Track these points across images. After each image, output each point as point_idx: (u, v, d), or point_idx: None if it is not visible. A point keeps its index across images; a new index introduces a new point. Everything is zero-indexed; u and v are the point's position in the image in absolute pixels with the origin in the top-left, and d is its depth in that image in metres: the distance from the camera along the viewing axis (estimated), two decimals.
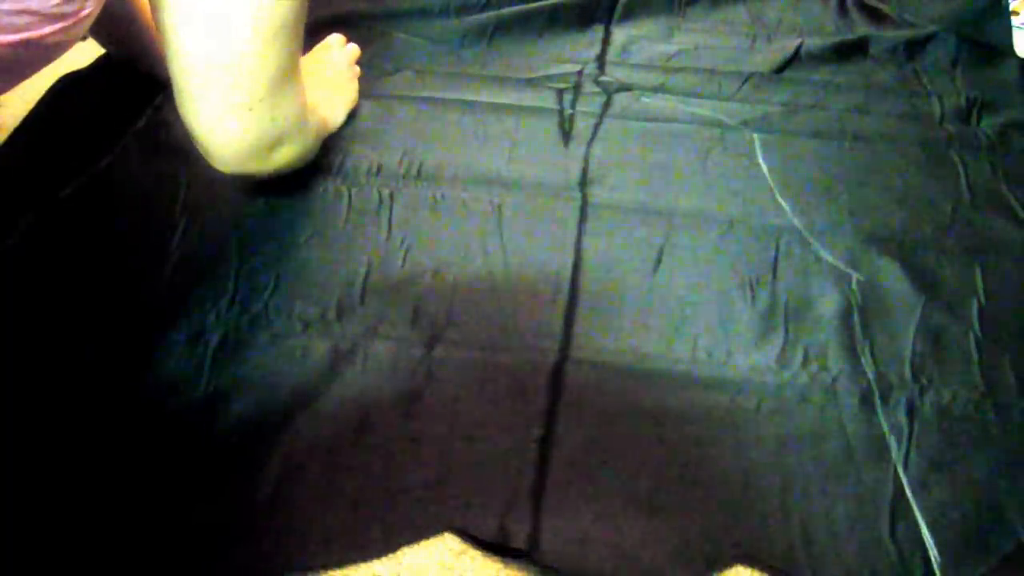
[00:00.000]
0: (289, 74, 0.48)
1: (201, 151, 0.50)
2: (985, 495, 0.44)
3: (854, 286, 0.55)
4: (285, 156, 0.54)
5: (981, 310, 0.53)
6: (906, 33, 0.81)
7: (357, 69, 0.70)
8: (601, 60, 0.77)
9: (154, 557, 0.40)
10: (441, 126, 0.68)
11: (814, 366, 0.50)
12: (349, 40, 0.71)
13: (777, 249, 0.57)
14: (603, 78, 0.74)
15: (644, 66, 0.77)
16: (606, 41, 0.80)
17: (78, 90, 0.70)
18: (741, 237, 0.58)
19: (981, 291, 0.55)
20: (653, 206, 0.61)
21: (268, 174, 0.55)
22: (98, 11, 0.42)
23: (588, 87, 0.73)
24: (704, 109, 0.71)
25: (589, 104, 0.71)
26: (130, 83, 0.70)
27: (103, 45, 0.71)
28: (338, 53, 0.69)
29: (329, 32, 0.71)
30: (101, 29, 0.67)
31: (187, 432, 0.45)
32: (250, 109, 0.47)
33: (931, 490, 0.44)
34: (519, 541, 0.41)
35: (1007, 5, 0.82)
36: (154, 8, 0.44)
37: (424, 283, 0.54)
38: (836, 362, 0.50)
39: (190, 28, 0.43)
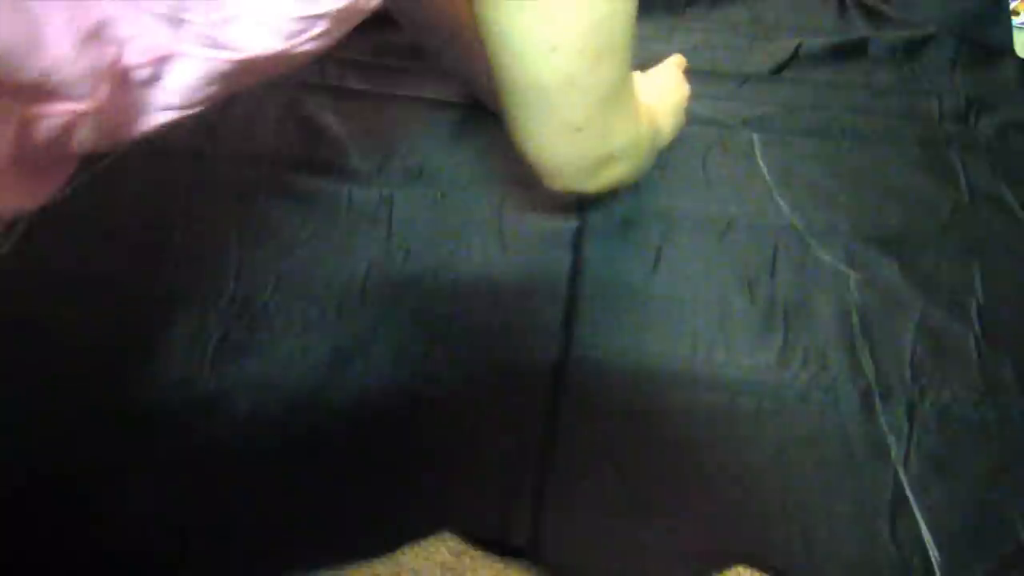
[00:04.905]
0: (619, 94, 0.45)
1: (532, 169, 0.48)
2: (985, 495, 0.44)
3: (853, 286, 0.55)
4: (617, 173, 0.50)
5: (981, 310, 0.53)
6: (906, 33, 0.81)
7: (686, 88, 0.65)
8: None
9: (154, 557, 0.40)
10: (441, 126, 0.68)
11: (814, 366, 0.50)
12: (349, 40, 0.71)
13: (776, 249, 0.57)
14: None
15: (643, 66, 0.77)
16: None
17: None
18: (740, 237, 0.58)
19: (981, 291, 0.55)
20: (652, 206, 0.61)
21: (600, 190, 0.51)
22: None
23: None
24: (704, 109, 0.71)
25: None
26: None
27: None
28: (666, 70, 0.65)
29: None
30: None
31: (187, 432, 0.45)
32: (579, 130, 0.44)
33: (931, 490, 0.44)
34: (519, 541, 0.41)
35: (1007, 5, 0.82)
36: (476, 31, 0.41)
37: (424, 283, 0.54)
38: (836, 362, 0.50)
39: (512, 54, 0.41)
